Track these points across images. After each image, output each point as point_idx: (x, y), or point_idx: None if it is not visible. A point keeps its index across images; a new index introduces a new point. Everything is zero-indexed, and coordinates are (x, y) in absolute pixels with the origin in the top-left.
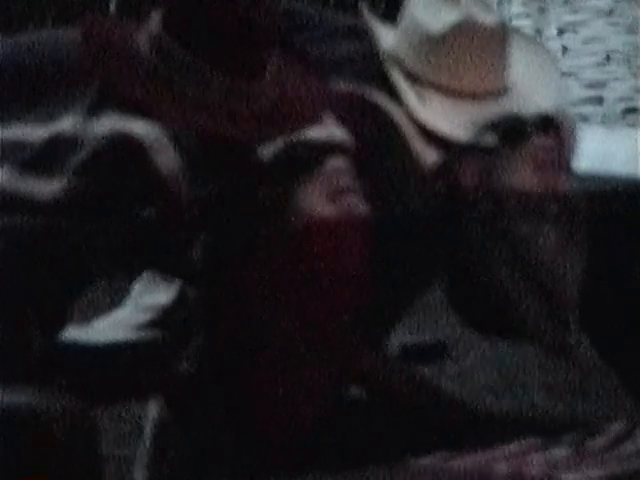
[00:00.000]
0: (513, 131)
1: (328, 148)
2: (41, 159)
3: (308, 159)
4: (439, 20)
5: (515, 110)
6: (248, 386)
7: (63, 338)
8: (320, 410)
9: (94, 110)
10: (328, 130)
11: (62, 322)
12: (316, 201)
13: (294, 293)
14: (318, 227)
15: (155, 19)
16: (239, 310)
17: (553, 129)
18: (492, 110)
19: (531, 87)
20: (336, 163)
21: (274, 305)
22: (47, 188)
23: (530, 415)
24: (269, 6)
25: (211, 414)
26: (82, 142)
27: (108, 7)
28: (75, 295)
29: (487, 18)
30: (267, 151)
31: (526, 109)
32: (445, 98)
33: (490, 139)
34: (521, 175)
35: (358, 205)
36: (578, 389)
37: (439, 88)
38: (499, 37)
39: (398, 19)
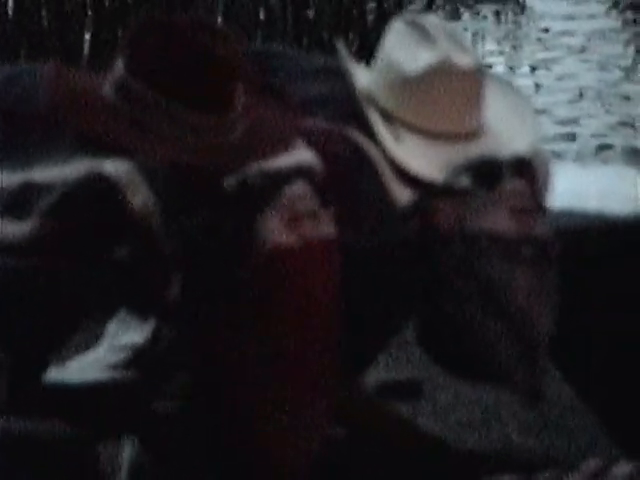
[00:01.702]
0: (488, 173)
1: (289, 173)
2: (14, 204)
3: (267, 186)
4: (415, 61)
5: (490, 152)
6: (228, 423)
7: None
8: (304, 447)
9: (65, 155)
10: (295, 155)
11: (41, 363)
12: (276, 228)
13: (265, 324)
14: (280, 255)
15: (119, 62)
16: (213, 345)
17: (528, 171)
18: (467, 152)
19: (506, 129)
20: (297, 188)
21: (245, 338)
22: (19, 230)
23: (506, 452)
24: (232, 40)
25: (187, 453)
26: (54, 185)
27: (82, 47)
28: (53, 336)
29: (464, 60)
30: (230, 181)
31: (501, 151)
32: (420, 139)
33: (465, 181)
34: (495, 218)
35: (321, 230)
36: (554, 426)
37: (414, 128)
38: (475, 79)
39: (373, 58)
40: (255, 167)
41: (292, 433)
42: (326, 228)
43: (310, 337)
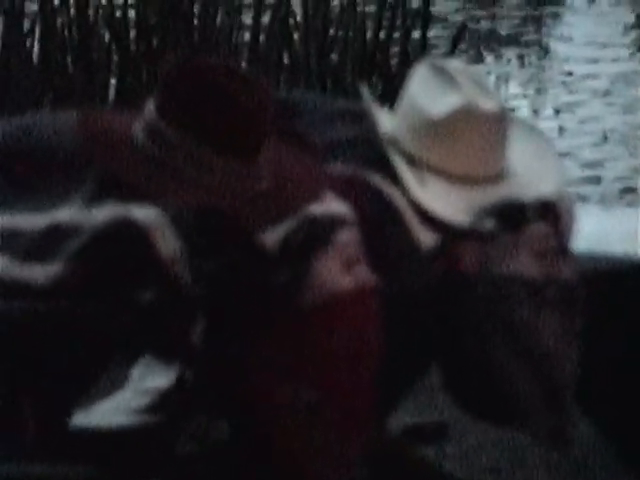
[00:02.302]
0: (512, 217)
1: (336, 221)
2: (40, 246)
3: (319, 234)
4: (439, 105)
5: (514, 195)
6: (253, 467)
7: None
8: None
9: (93, 198)
10: (329, 205)
11: (67, 407)
12: (333, 274)
13: (315, 369)
14: (338, 300)
15: (150, 105)
16: (240, 389)
17: (552, 213)
18: (491, 195)
19: (530, 172)
20: (346, 235)
21: (284, 382)
22: (45, 273)
23: None
24: (260, 87)
25: None
26: (81, 229)
27: (107, 92)
28: (78, 380)
29: (488, 103)
30: (272, 236)
31: (525, 194)
32: (444, 182)
33: (489, 224)
34: (520, 260)
35: (369, 275)
36: (581, 468)
37: (439, 172)
38: (500, 123)
39: (396, 102)
40: (293, 217)
41: (323, 474)
42: (370, 273)
43: (359, 382)
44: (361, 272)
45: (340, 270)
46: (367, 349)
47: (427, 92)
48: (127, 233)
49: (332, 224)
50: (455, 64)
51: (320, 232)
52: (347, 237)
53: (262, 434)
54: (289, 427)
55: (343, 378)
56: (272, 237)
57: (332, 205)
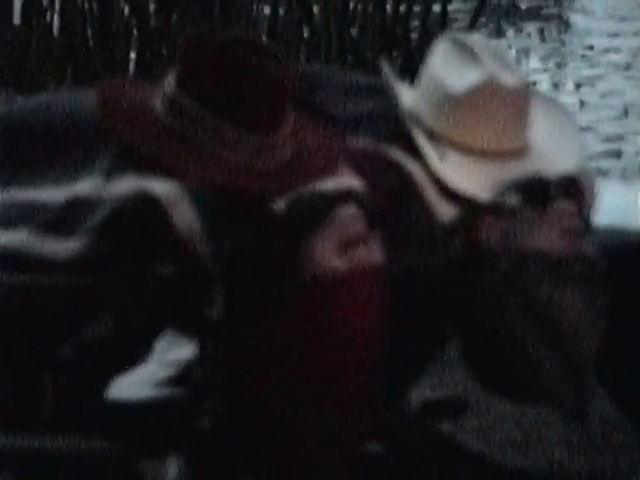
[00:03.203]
0: (535, 192)
1: (339, 197)
2: (60, 220)
3: (318, 209)
4: (461, 80)
5: (536, 170)
6: (267, 441)
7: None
8: (341, 464)
9: (112, 171)
10: (342, 180)
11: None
12: (326, 252)
13: (308, 346)
14: (329, 279)
15: (170, 78)
16: (254, 365)
17: (575, 189)
18: (513, 170)
19: (551, 147)
20: (347, 211)
21: (288, 359)
22: (66, 247)
23: (551, 470)
24: (285, 61)
25: (231, 471)
26: (101, 203)
27: (127, 66)
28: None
29: (509, 78)
30: (280, 203)
31: (548, 169)
32: (466, 157)
33: (511, 199)
34: (543, 236)
35: (370, 255)
36: (598, 444)
37: (460, 147)
38: (521, 97)
39: (417, 77)
40: (304, 190)
41: (327, 447)
42: (374, 252)
43: (351, 358)
44: (359, 253)
45: (336, 249)
46: (359, 329)
47: (448, 67)
48: (145, 207)
49: (337, 200)
50: (476, 38)
51: (321, 207)
52: (351, 214)
53: (266, 409)
54: (280, 409)
55: (332, 359)
56: (279, 205)
57: (344, 180)
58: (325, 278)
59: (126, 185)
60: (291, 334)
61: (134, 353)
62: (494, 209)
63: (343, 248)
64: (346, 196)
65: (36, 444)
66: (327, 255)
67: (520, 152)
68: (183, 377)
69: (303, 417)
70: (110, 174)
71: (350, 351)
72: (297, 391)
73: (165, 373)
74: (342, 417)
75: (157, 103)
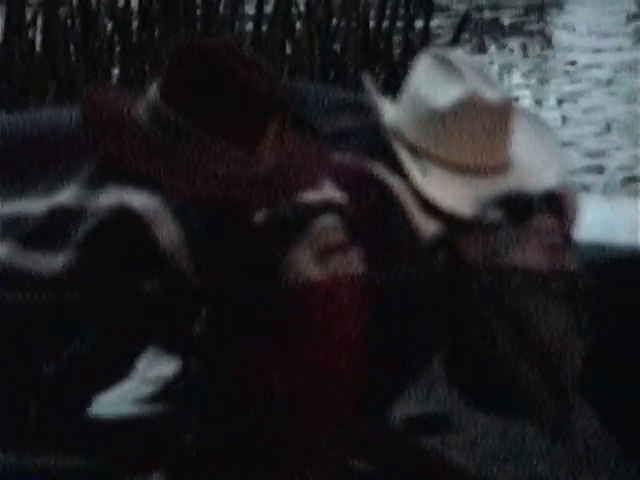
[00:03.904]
0: (517, 208)
1: (319, 208)
2: (42, 233)
3: (298, 219)
4: (443, 95)
5: (518, 186)
6: (251, 457)
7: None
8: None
9: (95, 182)
10: (324, 192)
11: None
12: (305, 262)
13: (289, 358)
14: (308, 289)
15: (154, 88)
16: (237, 378)
17: (557, 204)
18: (495, 185)
19: (534, 162)
20: (326, 221)
21: (269, 371)
22: (50, 262)
23: None
24: (268, 73)
25: None
26: (84, 215)
27: (110, 82)
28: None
29: (492, 94)
30: (260, 215)
31: (529, 185)
32: (448, 173)
33: (493, 215)
34: (525, 251)
35: (349, 265)
36: (582, 460)
37: (443, 162)
38: (504, 113)
39: (399, 93)
40: (284, 202)
41: (309, 462)
42: (353, 262)
43: (332, 370)
44: (338, 262)
45: (314, 258)
46: (340, 340)
47: (431, 83)
48: (127, 221)
49: (317, 210)
50: (458, 54)
51: (301, 218)
52: (330, 224)
53: (250, 423)
54: (264, 424)
55: (315, 366)
56: (260, 216)
57: (326, 192)
58: (303, 287)
59: (108, 198)
60: (271, 345)
61: (117, 369)
62: (476, 225)
63: (321, 257)
64: (326, 207)
65: (20, 461)
66: (305, 264)
67: (502, 167)
68: (166, 393)
69: (286, 432)
70: (91, 184)
71: (330, 361)
72: (280, 405)
73: (148, 389)
74: (324, 431)
75: (140, 113)
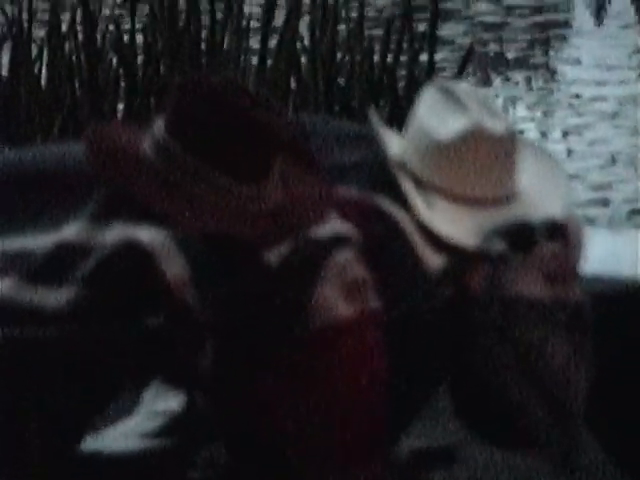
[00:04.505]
0: (522, 238)
1: (333, 242)
2: (48, 268)
3: (314, 257)
4: (447, 127)
5: (523, 217)
6: None
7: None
8: None
9: (100, 218)
10: (332, 226)
11: (77, 432)
12: (334, 299)
13: (316, 396)
14: (338, 326)
15: (159, 123)
16: (247, 415)
17: (561, 235)
18: (500, 217)
19: (538, 194)
20: (344, 255)
21: (295, 410)
22: (54, 297)
23: None
24: (273, 108)
25: None
26: (88, 250)
27: (115, 117)
28: (88, 405)
29: (495, 125)
30: (274, 255)
31: (534, 215)
32: (453, 204)
33: (499, 246)
34: (530, 284)
35: (372, 299)
36: None
37: (447, 194)
38: (508, 145)
39: (404, 125)
40: (294, 238)
41: None
42: (373, 296)
43: (364, 409)
44: (363, 297)
45: (339, 295)
46: (371, 376)
47: (435, 115)
48: (134, 256)
49: (333, 245)
50: (462, 86)
51: (319, 254)
52: (348, 258)
53: (270, 461)
54: (297, 454)
55: (347, 406)
56: (273, 257)
57: (334, 226)
58: (334, 325)
59: (114, 233)
60: (295, 384)
61: (122, 403)
62: (481, 256)
63: (347, 293)
64: (339, 241)
65: None
66: (334, 301)
67: (507, 199)
68: (172, 428)
69: (303, 467)
70: (97, 219)
71: (360, 399)
72: (300, 442)
73: (154, 424)
74: (351, 469)
75: (146, 148)
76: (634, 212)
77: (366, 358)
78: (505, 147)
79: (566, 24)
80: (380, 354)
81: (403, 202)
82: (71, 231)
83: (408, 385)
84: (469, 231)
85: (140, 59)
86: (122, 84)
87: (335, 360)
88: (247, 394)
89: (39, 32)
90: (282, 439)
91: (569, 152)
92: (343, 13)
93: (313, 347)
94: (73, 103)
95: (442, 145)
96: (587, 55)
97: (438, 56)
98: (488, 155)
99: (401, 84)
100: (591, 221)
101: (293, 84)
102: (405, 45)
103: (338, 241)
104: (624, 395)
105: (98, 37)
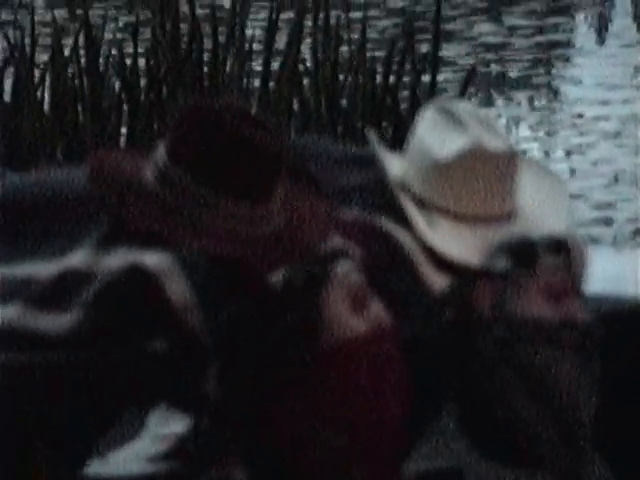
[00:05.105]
0: (524, 254)
1: (333, 256)
2: (52, 294)
3: (316, 272)
4: (447, 147)
5: (525, 233)
6: None
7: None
8: None
9: (105, 244)
10: (331, 242)
11: (81, 456)
12: (343, 315)
13: (336, 412)
14: (351, 341)
15: (161, 149)
16: (265, 441)
17: (564, 252)
18: (502, 234)
19: (541, 211)
20: (344, 266)
21: (313, 429)
22: (58, 322)
23: None
24: (275, 131)
25: None
26: (93, 276)
27: (118, 141)
28: (92, 428)
29: (495, 143)
30: (277, 276)
31: (536, 232)
32: (454, 223)
33: (501, 264)
34: (534, 303)
35: (383, 313)
36: None
37: (448, 213)
38: (508, 163)
39: (405, 145)
40: (297, 260)
41: None
42: (382, 311)
43: (385, 423)
44: (373, 311)
45: (346, 306)
46: (388, 390)
47: (434, 134)
48: (138, 281)
49: (332, 258)
50: (462, 105)
51: (320, 268)
52: (348, 268)
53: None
54: (317, 472)
55: (368, 421)
56: (277, 278)
57: (334, 241)
58: (347, 340)
59: (118, 258)
60: (308, 403)
61: (127, 427)
62: (485, 275)
63: (357, 307)
64: (338, 254)
65: None
66: (342, 316)
67: (508, 217)
68: (177, 451)
69: None
70: (102, 246)
71: (382, 411)
72: (319, 459)
73: (159, 448)
74: None
75: (148, 174)
76: (638, 231)
77: (384, 370)
78: (505, 165)
79: (568, 44)
80: (398, 367)
81: (405, 223)
82: (75, 259)
83: (414, 405)
84: (472, 249)
85: (143, 83)
86: (125, 108)
87: (354, 374)
88: (261, 416)
89: (42, 56)
90: (299, 460)
91: (572, 171)
92: (345, 35)
93: (329, 363)
94: (76, 128)
95: (442, 164)
96: (589, 74)
97: (440, 77)
98: (488, 173)
99: (404, 105)
100: (595, 241)
101: (296, 106)
102: (407, 66)
103: (337, 254)
104: (631, 415)
105: (101, 61)
